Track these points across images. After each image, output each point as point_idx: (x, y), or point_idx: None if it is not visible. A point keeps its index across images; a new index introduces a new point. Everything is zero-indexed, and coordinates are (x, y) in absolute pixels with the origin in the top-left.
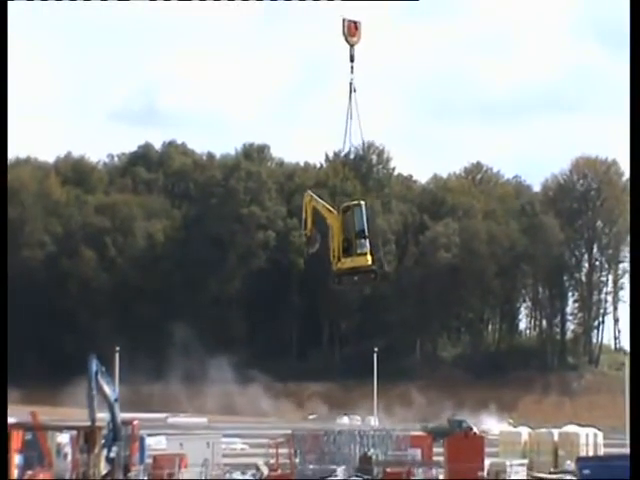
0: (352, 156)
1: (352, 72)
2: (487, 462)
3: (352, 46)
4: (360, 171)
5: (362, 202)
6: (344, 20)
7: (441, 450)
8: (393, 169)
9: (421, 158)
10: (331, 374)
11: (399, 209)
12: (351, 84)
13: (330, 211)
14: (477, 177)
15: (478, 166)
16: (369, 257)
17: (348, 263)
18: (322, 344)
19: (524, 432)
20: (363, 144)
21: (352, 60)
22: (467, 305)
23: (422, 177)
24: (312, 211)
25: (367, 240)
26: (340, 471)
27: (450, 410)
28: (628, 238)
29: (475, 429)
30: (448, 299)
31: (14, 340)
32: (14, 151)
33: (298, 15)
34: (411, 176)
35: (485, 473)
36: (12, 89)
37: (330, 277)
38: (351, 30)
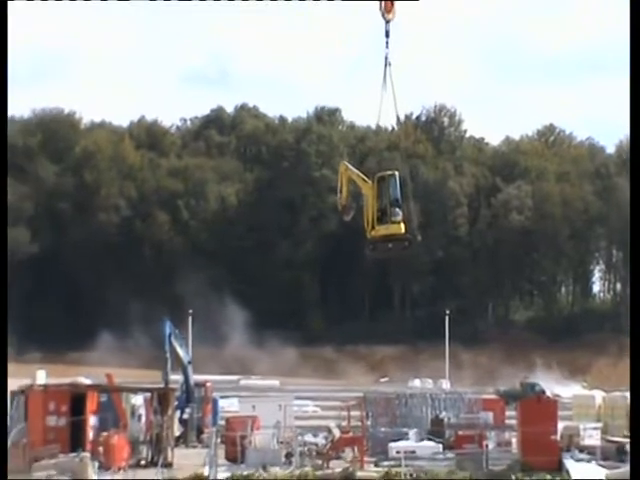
0: (424, 119)
1: (387, 47)
2: (560, 426)
3: (388, 22)
4: (432, 134)
5: (396, 172)
6: None
7: (513, 413)
8: (465, 131)
9: (493, 120)
10: (403, 337)
11: (471, 172)
12: (386, 58)
13: (365, 181)
14: (550, 139)
15: (551, 128)
16: (402, 225)
17: (382, 231)
18: (394, 307)
19: (598, 396)
20: (397, 118)
21: (387, 36)
22: (540, 268)
23: (494, 139)
24: (347, 180)
25: (401, 209)
26: (412, 434)
27: (523, 373)
28: None
29: (548, 392)
30: (521, 262)
31: (88, 303)
32: (89, 116)
33: None
34: (483, 138)
35: (558, 437)
36: (86, 55)
37: (365, 244)
38: (387, 7)
